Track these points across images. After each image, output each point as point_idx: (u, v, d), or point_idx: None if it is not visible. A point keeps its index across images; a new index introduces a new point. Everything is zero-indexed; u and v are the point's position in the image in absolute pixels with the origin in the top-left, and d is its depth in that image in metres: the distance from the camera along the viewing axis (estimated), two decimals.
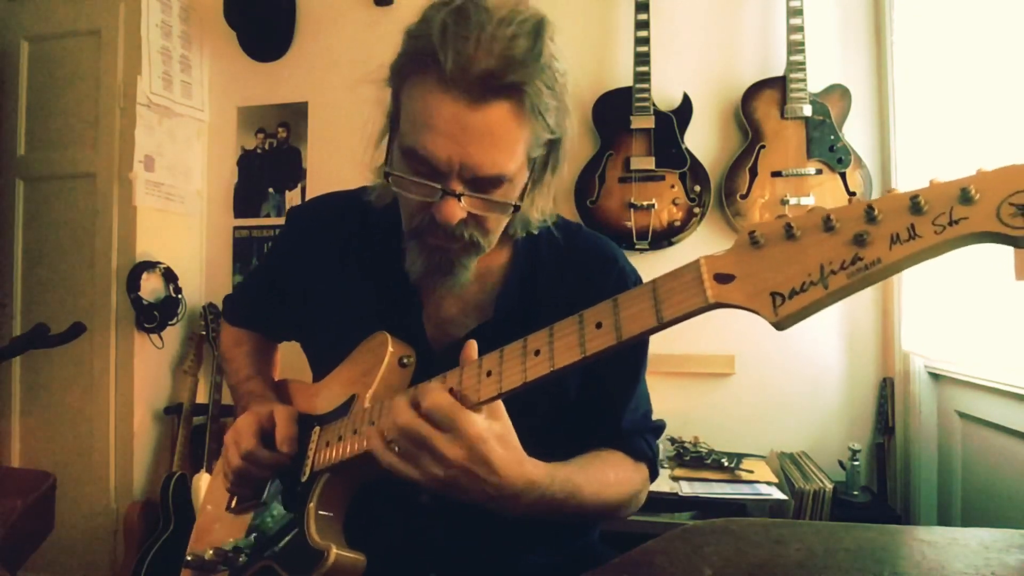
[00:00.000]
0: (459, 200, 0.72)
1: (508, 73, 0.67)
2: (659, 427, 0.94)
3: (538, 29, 0.70)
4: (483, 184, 0.72)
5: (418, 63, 0.71)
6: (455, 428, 0.63)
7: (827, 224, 0.47)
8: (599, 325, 0.58)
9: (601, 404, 0.87)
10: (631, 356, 0.88)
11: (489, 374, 0.64)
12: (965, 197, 0.43)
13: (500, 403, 0.67)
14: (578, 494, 0.75)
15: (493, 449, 0.64)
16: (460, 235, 0.76)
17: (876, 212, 0.45)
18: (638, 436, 0.89)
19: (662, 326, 0.54)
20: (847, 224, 0.46)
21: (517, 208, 0.76)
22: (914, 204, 0.44)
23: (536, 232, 0.87)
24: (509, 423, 0.68)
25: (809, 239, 0.48)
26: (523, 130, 0.71)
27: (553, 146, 0.78)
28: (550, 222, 0.87)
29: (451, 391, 0.65)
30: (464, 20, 0.68)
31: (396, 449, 0.66)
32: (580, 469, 0.78)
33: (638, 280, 0.91)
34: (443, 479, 0.65)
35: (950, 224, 0.43)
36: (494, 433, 0.65)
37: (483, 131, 0.69)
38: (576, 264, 0.88)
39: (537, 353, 0.61)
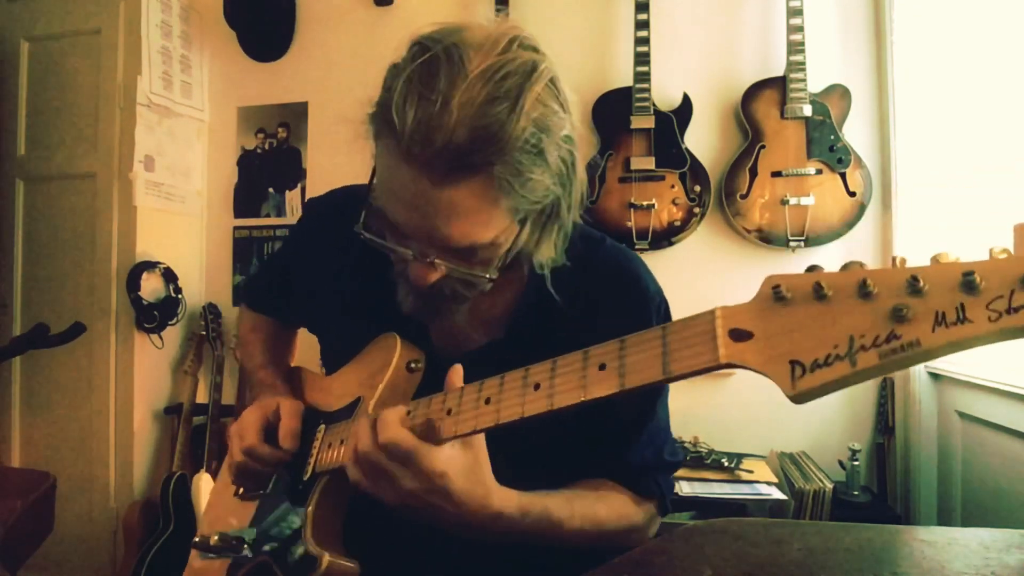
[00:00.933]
0: (432, 266, 0.67)
1: (476, 151, 0.58)
2: (674, 464, 0.87)
3: (522, 87, 0.60)
4: (456, 253, 0.67)
5: (382, 123, 0.63)
6: (411, 464, 0.61)
7: (863, 289, 0.41)
8: (602, 367, 0.54)
9: (607, 436, 0.80)
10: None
11: (488, 402, 0.61)
12: None
13: (480, 435, 0.64)
14: (557, 529, 0.72)
15: (452, 482, 0.61)
16: (441, 289, 0.71)
17: (921, 284, 0.39)
18: (646, 475, 0.83)
19: (668, 380, 0.50)
20: (886, 292, 0.40)
21: (492, 280, 0.70)
22: (967, 281, 0.38)
23: (544, 271, 0.78)
24: (482, 454, 0.65)
25: (840, 304, 0.42)
26: (499, 203, 0.63)
27: (555, 200, 0.70)
28: (560, 262, 0.78)
29: (428, 422, 0.63)
30: (430, 77, 0.59)
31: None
32: (566, 503, 0.74)
33: (662, 301, 0.85)
34: (400, 504, 0.64)
35: (1008, 312, 0.36)
36: (457, 466, 0.62)
37: (449, 209, 0.62)
38: (596, 282, 0.82)
39: (537, 387, 0.58)
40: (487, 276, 0.69)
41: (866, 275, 0.41)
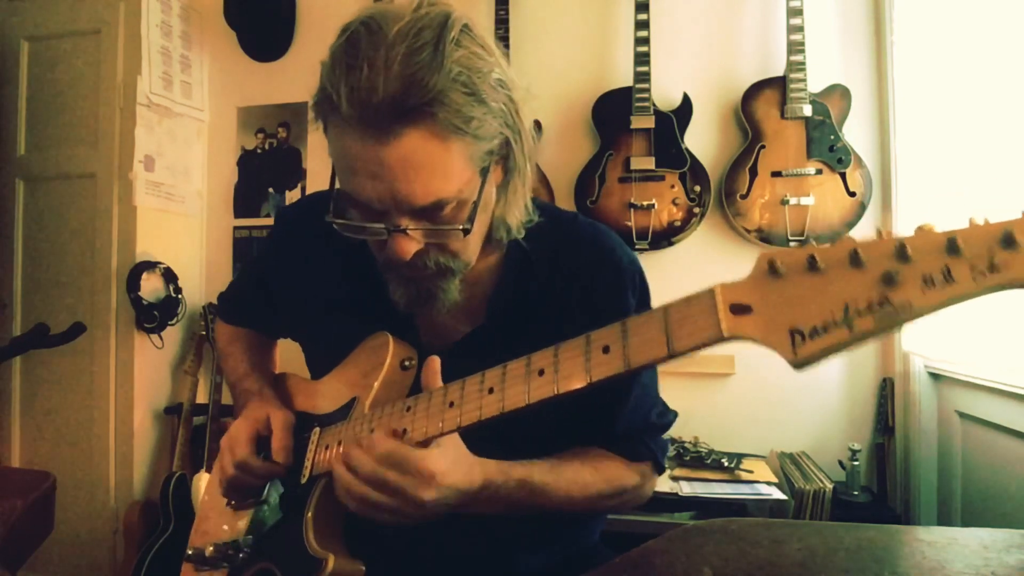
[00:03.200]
0: (406, 234, 0.68)
1: (410, 96, 0.61)
2: (664, 425, 0.89)
3: (440, 35, 0.63)
4: (425, 213, 0.67)
5: (323, 104, 0.67)
6: (412, 471, 0.63)
7: (854, 259, 0.43)
8: (606, 350, 0.56)
9: (593, 408, 0.82)
10: None
11: (491, 391, 0.62)
12: (1008, 241, 0.39)
13: None
14: (544, 494, 0.74)
15: (450, 475, 0.65)
16: (425, 264, 0.72)
17: (908, 250, 0.42)
18: (635, 440, 0.85)
19: (672, 356, 0.52)
20: (876, 260, 0.43)
21: (468, 231, 0.70)
22: (951, 244, 0.41)
23: (522, 235, 0.81)
24: (455, 436, 0.67)
25: (834, 273, 0.44)
26: (450, 148, 0.65)
27: (508, 148, 0.72)
28: (536, 218, 0.82)
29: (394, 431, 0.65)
30: (354, 48, 0.63)
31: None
32: (549, 469, 0.76)
33: (637, 270, 0.87)
34: (421, 517, 0.65)
35: (989, 270, 0.40)
36: (448, 462, 0.65)
37: (402, 164, 0.63)
38: (570, 257, 0.84)
39: (541, 373, 0.59)
40: (461, 228, 0.69)
41: (856, 246, 0.44)
